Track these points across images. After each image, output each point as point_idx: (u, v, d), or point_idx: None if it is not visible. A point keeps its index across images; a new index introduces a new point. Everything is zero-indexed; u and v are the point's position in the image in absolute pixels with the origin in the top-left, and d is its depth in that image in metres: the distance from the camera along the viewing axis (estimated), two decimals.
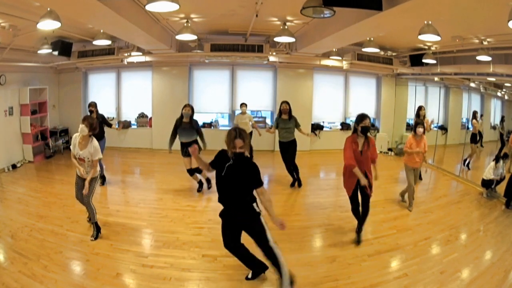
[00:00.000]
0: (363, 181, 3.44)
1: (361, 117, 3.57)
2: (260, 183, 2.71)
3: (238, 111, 7.37)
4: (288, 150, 5.44)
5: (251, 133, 7.16)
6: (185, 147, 5.04)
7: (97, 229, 3.76)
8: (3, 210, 4.42)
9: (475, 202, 5.12)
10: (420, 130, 4.59)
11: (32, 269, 3.02)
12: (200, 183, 5.31)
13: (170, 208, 4.63)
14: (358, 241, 3.74)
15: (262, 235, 2.68)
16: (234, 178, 2.68)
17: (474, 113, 6.86)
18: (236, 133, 2.61)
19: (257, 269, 3.01)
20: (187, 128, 5.01)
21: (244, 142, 2.60)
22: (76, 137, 3.66)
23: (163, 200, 5.01)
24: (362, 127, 3.54)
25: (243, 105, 6.96)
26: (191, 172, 5.18)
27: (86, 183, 3.55)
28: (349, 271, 3.20)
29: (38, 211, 4.41)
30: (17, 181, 5.73)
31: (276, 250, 2.66)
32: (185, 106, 5.08)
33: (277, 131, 5.53)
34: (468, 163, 6.79)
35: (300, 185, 5.62)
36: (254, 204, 2.75)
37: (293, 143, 5.44)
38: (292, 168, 5.53)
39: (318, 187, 5.82)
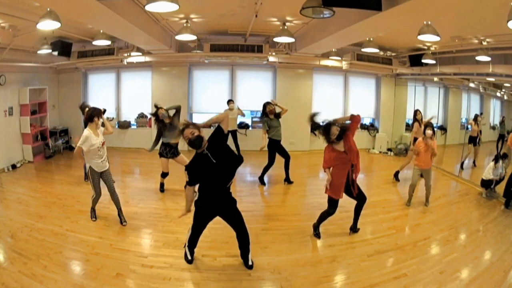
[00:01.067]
0: (329, 179, 3.62)
1: (325, 129, 3.73)
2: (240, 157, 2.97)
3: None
4: (281, 148, 5.51)
5: (236, 131, 7.25)
6: (167, 147, 4.95)
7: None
8: (3, 210, 4.42)
9: (474, 202, 5.13)
10: (429, 132, 4.54)
11: (32, 269, 3.02)
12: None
13: (170, 208, 4.63)
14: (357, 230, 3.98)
15: (241, 219, 3.05)
16: (221, 165, 2.82)
17: (476, 116, 6.87)
18: (185, 126, 2.87)
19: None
20: (169, 127, 4.89)
21: (194, 128, 2.83)
22: (89, 135, 3.76)
23: (163, 200, 5.01)
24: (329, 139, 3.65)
25: (230, 101, 7.05)
26: (165, 175, 5.13)
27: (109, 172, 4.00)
28: (348, 271, 3.21)
29: (38, 211, 4.41)
30: (17, 181, 5.72)
31: (247, 230, 3.10)
32: (158, 109, 4.90)
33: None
34: (473, 161, 6.83)
35: (290, 182, 5.75)
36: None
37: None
38: (287, 164, 5.62)
39: (318, 187, 5.79)
